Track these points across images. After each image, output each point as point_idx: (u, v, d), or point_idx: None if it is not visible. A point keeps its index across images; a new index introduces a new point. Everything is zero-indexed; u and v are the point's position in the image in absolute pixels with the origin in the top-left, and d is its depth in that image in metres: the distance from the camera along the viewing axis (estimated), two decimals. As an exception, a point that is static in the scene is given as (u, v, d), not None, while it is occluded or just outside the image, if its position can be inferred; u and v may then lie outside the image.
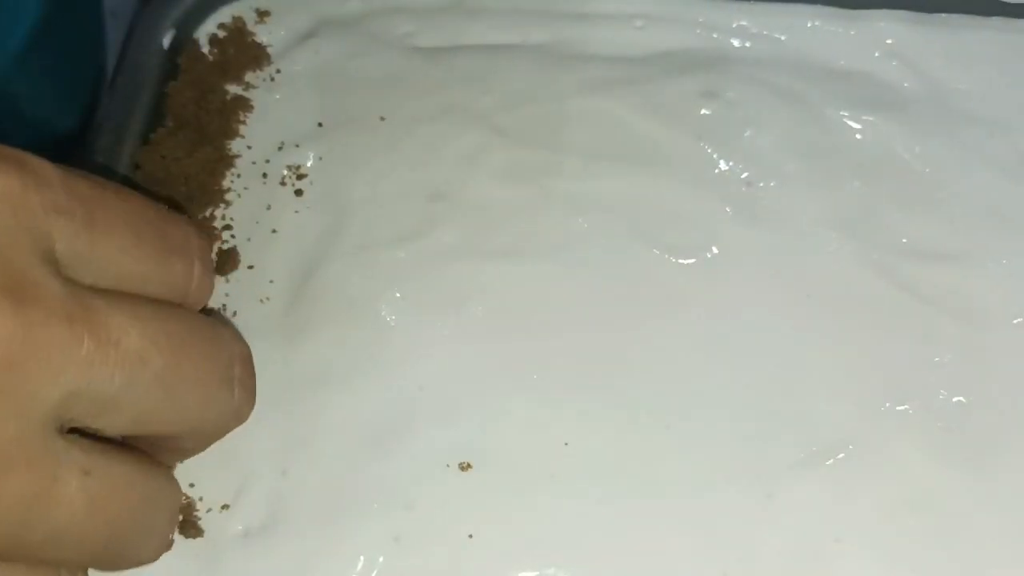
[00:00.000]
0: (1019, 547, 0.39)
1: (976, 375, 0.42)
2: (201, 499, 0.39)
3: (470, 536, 0.38)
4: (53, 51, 0.76)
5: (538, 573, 0.37)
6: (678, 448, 0.40)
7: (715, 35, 0.50)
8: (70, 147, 0.80)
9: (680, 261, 0.44)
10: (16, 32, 0.71)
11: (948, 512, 0.39)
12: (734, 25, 0.51)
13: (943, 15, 0.51)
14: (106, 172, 0.45)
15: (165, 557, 0.35)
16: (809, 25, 0.51)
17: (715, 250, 0.45)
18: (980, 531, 0.39)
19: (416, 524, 0.38)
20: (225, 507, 0.39)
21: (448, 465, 0.39)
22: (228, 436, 0.38)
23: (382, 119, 0.47)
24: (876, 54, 0.51)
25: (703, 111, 0.48)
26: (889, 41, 0.51)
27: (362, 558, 0.37)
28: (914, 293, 0.44)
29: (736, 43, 0.51)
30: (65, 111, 0.82)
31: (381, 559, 0.37)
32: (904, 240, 0.45)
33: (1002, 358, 0.43)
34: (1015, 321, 0.43)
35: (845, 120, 0.49)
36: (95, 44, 0.84)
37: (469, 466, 0.39)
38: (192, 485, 0.39)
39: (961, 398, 0.42)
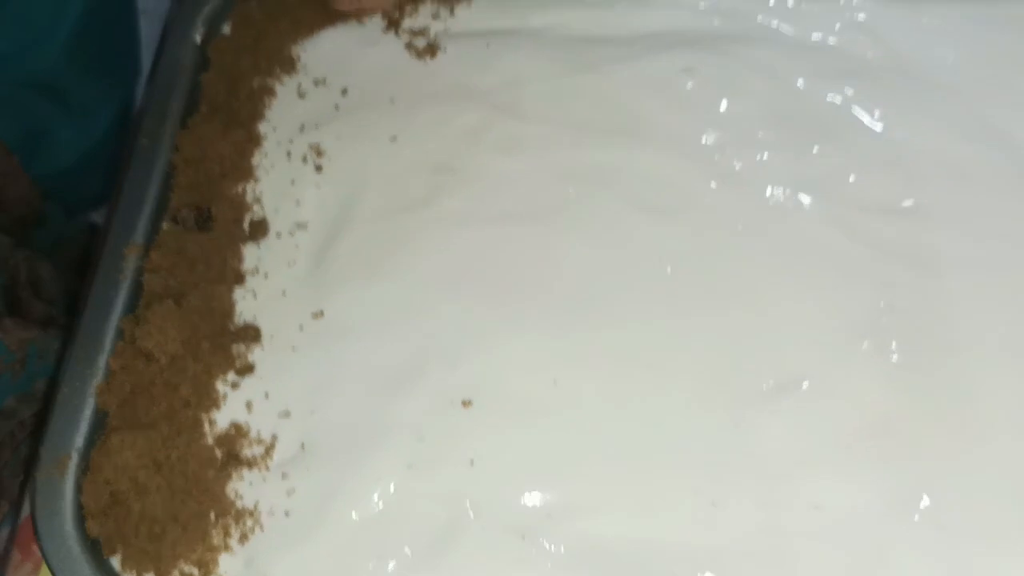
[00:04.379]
0: (963, 464, 0.43)
1: (929, 316, 0.46)
2: (246, 435, 0.44)
3: (471, 462, 0.43)
4: (95, 46, 0.81)
5: (529, 492, 0.42)
6: (655, 383, 0.45)
7: (696, 15, 0.55)
8: (112, 132, 0.86)
9: (661, 221, 0.49)
10: (62, 28, 0.77)
11: (900, 437, 0.44)
12: (713, 5, 0.55)
13: (906, -11, 0.55)
14: (151, 153, 0.50)
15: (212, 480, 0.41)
16: (782, 2, 0.55)
17: (693, 211, 0.49)
18: (929, 453, 0.43)
19: (425, 453, 0.43)
20: (263, 441, 0.44)
21: (452, 403, 0.44)
22: (264, 380, 0.44)
23: (392, 101, 0.53)
24: (844, 29, 0.55)
25: (684, 85, 0.53)
26: (856, 16, 0.55)
27: (380, 482, 0.43)
28: (872, 245, 0.48)
29: (715, 22, 0.55)
30: (106, 100, 0.88)
31: (395, 483, 0.43)
32: (864, 198, 0.50)
33: (953, 301, 0.47)
34: (965, 267, 0.48)
35: (813, 90, 0.53)
36: (131, 39, 0.90)
37: (470, 403, 0.44)
38: (236, 423, 0.44)
39: (912, 336, 0.46)
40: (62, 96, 0.83)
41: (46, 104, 0.82)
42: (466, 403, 0.44)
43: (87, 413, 0.44)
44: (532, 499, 0.43)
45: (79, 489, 0.43)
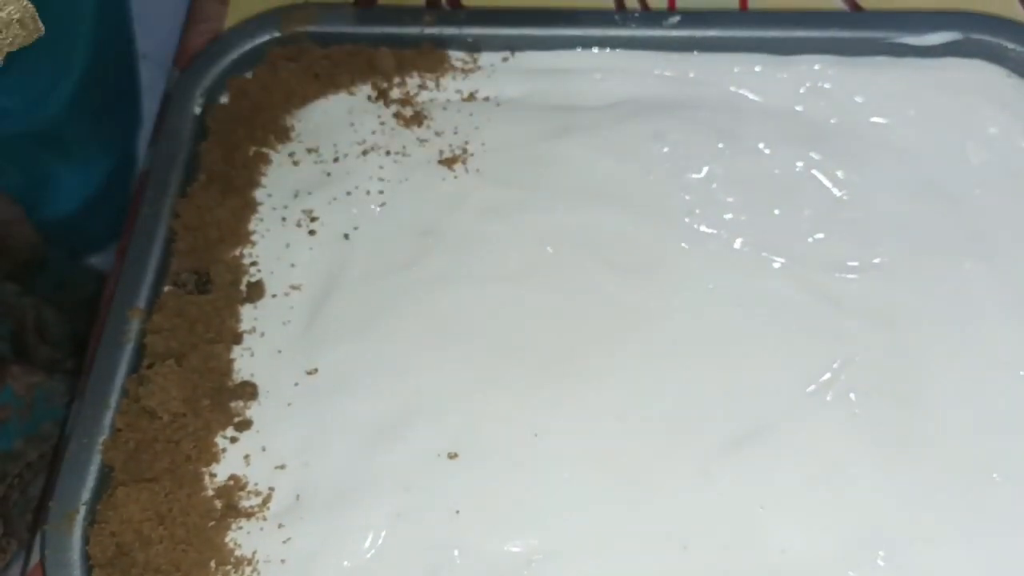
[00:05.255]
0: (917, 513, 0.46)
1: (886, 369, 0.50)
2: (244, 488, 0.47)
3: (457, 512, 0.46)
4: (96, 97, 0.84)
5: (511, 540, 0.45)
6: (627, 435, 0.48)
7: (663, 84, 0.58)
8: (113, 178, 0.89)
9: (633, 280, 0.52)
10: (67, 85, 0.80)
11: (860, 483, 0.47)
12: (682, 74, 0.59)
13: (863, 58, 0.59)
14: (153, 221, 0.53)
15: (212, 530, 0.44)
16: (747, 71, 0.59)
17: (663, 270, 0.52)
18: (888, 500, 0.46)
19: (413, 503, 0.46)
20: (260, 492, 0.47)
21: (439, 455, 0.47)
22: (261, 434, 0.46)
23: (380, 167, 0.56)
24: (804, 93, 0.58)
25: (654, 150, 0.56)
26: (815, 82, 0.59)
27: (370, 532, 0.45)
28: (833, 301, 0.52)
29: (683, 90, 0.58)
30: (107, 148, 0.91)
31: (385, 532, 0.45)
32: (825, 256, 0.53)
33: (909, 354, 0.50)
34: (919, 322, 0.51)
35: (775, 153, 0.56)
36: (131, 87, 0.93)
37: (456, 455, 0.47)
38: (234, 475, 0.47)
39: (871, 388, 0.49)
40: (64, 145, 0.86)
41: (48, 153, 0.85)
42: (452, 455, 0.47)
43: (94, 468, 0.47)
44: (514, 546, 0.45)
45: (86, 540, 0.45)
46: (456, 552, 0.45)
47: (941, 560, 0.45)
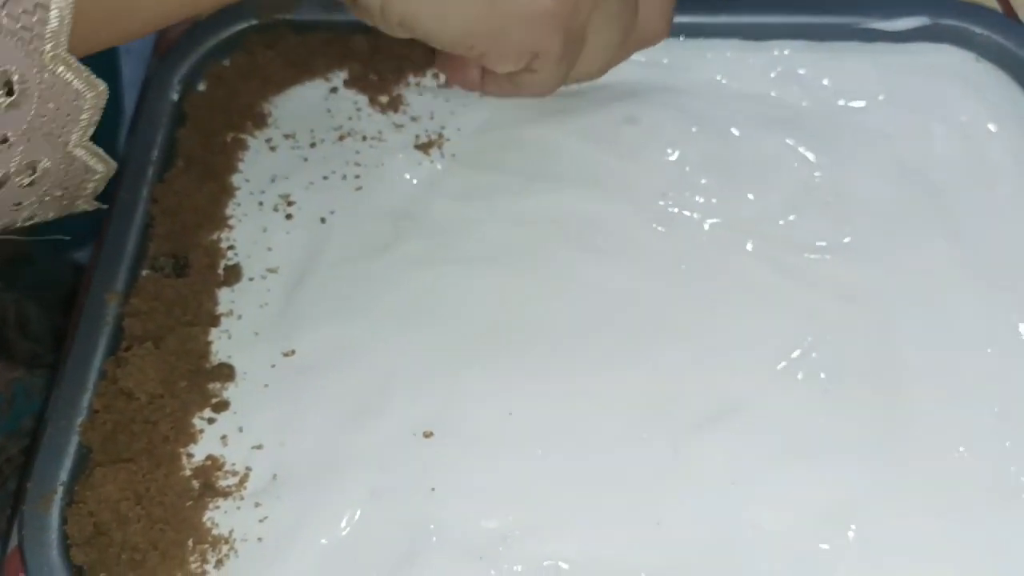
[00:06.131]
0: (887, 489, 0.47)
1: (854, 346, 0.50)
2: (221, 467, 0.47)
3: (432, 489, 0.46)
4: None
5: (487, 517, 0.46)
6: (601, 413, 0.48)
7: (637, 70, 0.59)
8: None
9: (606, 262, 0.53)
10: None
11: (828, 460, 0.47)
12: (654, 59, 0.60)
13: (833, 42, 0.60)
14: (131, 206, 0.54)
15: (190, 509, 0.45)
16: (720, 56, 0.60)
17: (636, 252, 0.53)
18: (852, 475, 0.47)
19: (388, 481, 0.47)
20: (237, 472, 0.47)
21: (414, 434, 0.48)
22: (238, 415, 0.47)
23: (356, 152, 0.56)
24: (776, 78, 0.59)
25: (626, 134, 0.57)
26: (787, 67, 0.59)
27: (347, 509, 0.46)
28: (802, 280, 0.52)
29: (656, 74, 0.59)
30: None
31: (361, 510, 0.46)
32: (797, 237, 0.54)
33: (877, 331, 0.51)
34: (888, 300, 0.52)
35: (748, 137, 0.57)
36: (114, 80, 0.93)
37: (431, 434, 0.48)
38: (212, 456, 0.47)
39: (841, 365, 0.50)
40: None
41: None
42: (427, 434, 0.48)
43: (71, 450, 0.47)
44: (489, 523, 0.46)
45: (64, 520, 0.45)
46: (432, 528, 0.45)
47: (911, 534, 0.45)
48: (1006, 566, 0.45)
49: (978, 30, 0.59)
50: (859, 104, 0.58)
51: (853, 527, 0.45)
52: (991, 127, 0.57)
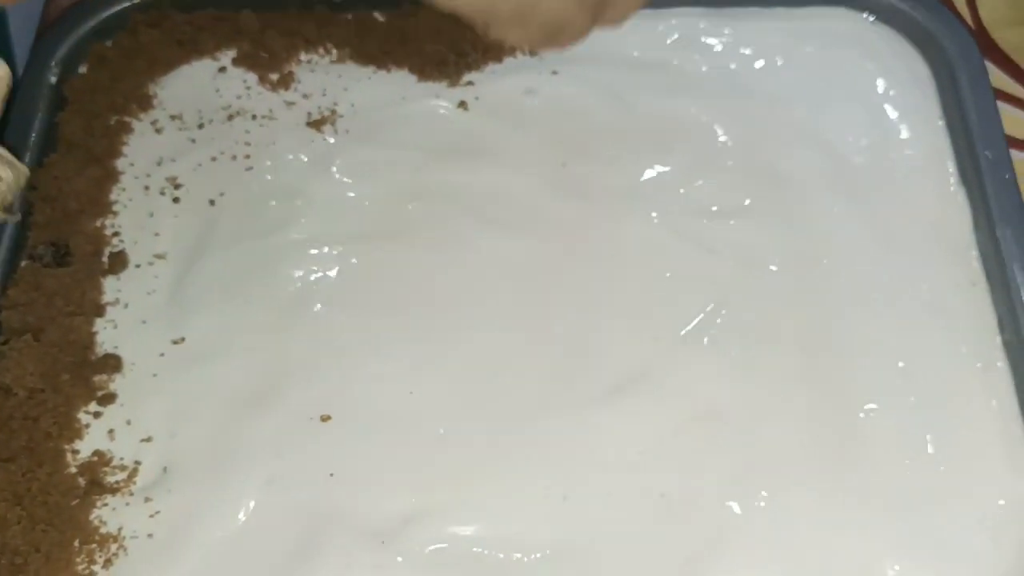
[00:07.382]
0: (791, 447, 0.46)
1: (751, 309, 0.50)
2: (108, 463, 0.45)
3: (331, 475, 0.45)
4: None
5: (388, 500, 0.44)
6: (503, 389, 0.47)
7: (535, 39, 0.58)
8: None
9: (505, 235, 0.51)
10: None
11: (735, 425, 0.47)
12: (553, 29, 0.58)
13: (732, 8, 0.59)
14: (5, 194, 0.51)
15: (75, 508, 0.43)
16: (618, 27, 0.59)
17: (536, 224, 0.52)
18: (755, 439, 0.46)
19: (285, 468, 0.45)
20: (126, 467, 0.45)
21: (311, 418, 0.46)
22: (125, 407, 0.45)
23: (247, 132, 0.54)
24: (675, 45, 0.58)
25: (525, 105, 0.56)
26: (686, 34, 0.59)
27: (242, 499, 0.44)
28: (707, 247, 0.52)
29: (554, 46, 0.58)
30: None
31: (257, 500, 0.44)
32: (697, 204, 0.53)
33: (778, 294, 0.50)
34: (789, 263, 0.51)
35: (651, 104, 0.56)
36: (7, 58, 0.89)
37: (329, 418, 0.46)
38: (98, 451, 0.45)
39: (744, 329, 0.49)
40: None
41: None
42: (324, 418, 0.46)
43: (-55, 451, 0.45)
44: (391, 506, 0.44)
45: (-61, 527, 0.43)
46: (332, 514, 0.44)
47: (823, 497, 0.45)
48: (912, 521, 0.44)
49: (872, -7, 0.59)
50: (758, 69, 0.58)
51: (764, 492, 0.45)
52: (888, 89, 0.57)
